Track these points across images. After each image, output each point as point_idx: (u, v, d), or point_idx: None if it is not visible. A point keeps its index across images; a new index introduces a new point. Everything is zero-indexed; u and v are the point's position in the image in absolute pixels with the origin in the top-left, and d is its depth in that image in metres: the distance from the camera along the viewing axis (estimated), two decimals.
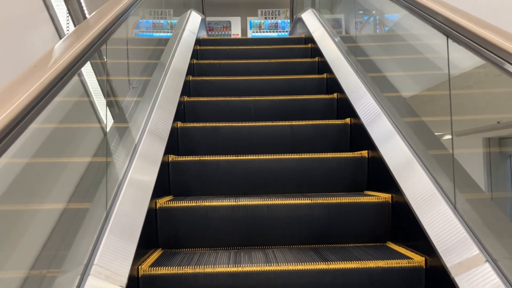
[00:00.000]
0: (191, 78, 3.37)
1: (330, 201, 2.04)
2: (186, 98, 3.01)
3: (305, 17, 4.86)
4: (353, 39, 3.31)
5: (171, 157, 2.35)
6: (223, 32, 10.00)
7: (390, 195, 2.02)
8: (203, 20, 5.23)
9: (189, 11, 4.78)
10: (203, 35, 5.29)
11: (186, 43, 3.80)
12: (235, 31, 10.06)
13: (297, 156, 2.41)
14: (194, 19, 4.66)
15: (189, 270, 1.64)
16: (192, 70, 3.62)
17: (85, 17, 3.85)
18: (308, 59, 3.90)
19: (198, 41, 4.37)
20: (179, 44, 3.59)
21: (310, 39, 4.30)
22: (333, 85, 3.18)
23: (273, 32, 10.07)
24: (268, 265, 1.66)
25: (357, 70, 2.94)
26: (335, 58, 3.35)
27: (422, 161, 1.91)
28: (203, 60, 3.85)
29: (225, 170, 2.37)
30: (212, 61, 3.79)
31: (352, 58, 3.15)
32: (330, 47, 3.64)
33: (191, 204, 2.02)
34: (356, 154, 2.42)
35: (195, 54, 3.97)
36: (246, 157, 2.41)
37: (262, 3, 10.25)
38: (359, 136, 2.55)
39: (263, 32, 10.07)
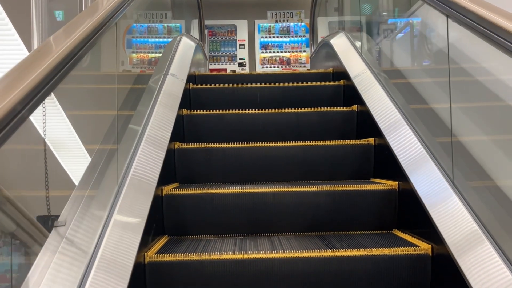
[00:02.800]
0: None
1: (336, 189, 2.04)
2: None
3: (338, 47, 3.50)
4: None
5: (177, 145, 2.35)
6: (227, 37, 8.92)
7: (396, 183, 2.01)
8: (198, 47, 4.09)
9: (176, 42, 3.45)
10: (200, 69, 4.22)
11: (169, 99, 2.54)
12: (241, 36, 8.91)
13: (303, 144, 2.40)
14: (184, 53, 3.39)
15: (195, 257, 1.65)
16: (180, 126, 2.61)
17: None
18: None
19: (193, 78, 3.42)
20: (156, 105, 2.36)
21: (350, 88, 2.91)
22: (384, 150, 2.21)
23: (285, 37, 8.90)
24: (274, 252, 1.66)
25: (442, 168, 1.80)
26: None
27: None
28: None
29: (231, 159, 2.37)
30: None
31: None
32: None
33: (197, 192, 2.02)
34: (363, 141, 2.40)
35: (186, 96, 2.92)
36: (251, 145, 2.40)
37: (272, 3, 9.01)
38: None
39: (273, 37, 8.92)
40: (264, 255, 1.65)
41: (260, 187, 2.05)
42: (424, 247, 1.66)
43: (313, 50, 5.44)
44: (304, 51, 8.76)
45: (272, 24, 8.95)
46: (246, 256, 1.65)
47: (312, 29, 6.04)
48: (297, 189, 2.04)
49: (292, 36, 8.98)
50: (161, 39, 3.99)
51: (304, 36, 8.80)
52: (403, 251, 1.65)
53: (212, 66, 8.54)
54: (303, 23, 8.81)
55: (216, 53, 8.96)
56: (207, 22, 8.30)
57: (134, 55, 3.65)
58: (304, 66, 8.62)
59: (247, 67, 8.69)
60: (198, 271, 1.65)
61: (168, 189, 2.01)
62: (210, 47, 8.88)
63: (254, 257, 1.65)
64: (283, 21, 8.97)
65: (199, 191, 2.01)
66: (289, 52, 8.88)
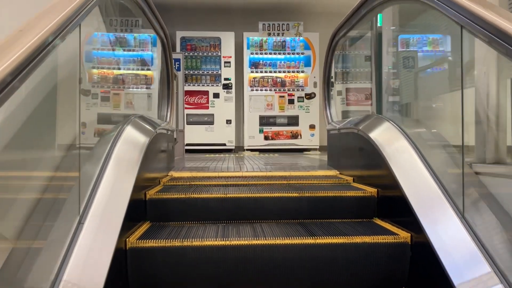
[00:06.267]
0: None
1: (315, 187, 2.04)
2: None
3: (398, 167, 1.88)
4: None
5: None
6: (209, 53, 7.27)
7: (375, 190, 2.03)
8: (160, 139, 2.64)
9: (106, 153, 1.79)
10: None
11: None
12: (227, 52, 7.27)
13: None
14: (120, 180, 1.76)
15: (177, 243, 1.65)
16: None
17: None
18: None
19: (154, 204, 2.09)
20: None
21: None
22: None
23: (280, 54, 7.31)
24: (256, 239, 1.67)
25: None
26: None
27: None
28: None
29: None
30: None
31: None
32: None
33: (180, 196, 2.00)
34: None
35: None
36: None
37: (265, 12, 7.45)
38: None
39: (266, 53, 7.32)
40: (246, 242, 1.66)
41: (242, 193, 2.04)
42: (404, 235, 1.68)
43: (330, 125, 3.53)
44: (303, 72, 7.27)
45: (264, 38, 7.36)
46: (228, 242, 1.65)
47: (326, 89, 3.87)
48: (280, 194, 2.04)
49: (288, 53, 7.33)
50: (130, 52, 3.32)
51: (302, 54, 7.30)
52: (383, 239, 1.67)
53: (189, 88, 7.06)
54: (301, 38, 7.31)
55: (196, 72, 7.25)
56: (184, 34, 6.96)
57: (94, 70, 3.00)
58: (302, 90, 7.19)
59: (233, 90, 7.20)
60: (180, 257, 1.64)
61: (152, 193, 1.99)
62: (189, 64, 7.24)
63: (235, 244, 1.65)
64: (278, 34, 7.38)
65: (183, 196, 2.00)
66: (284, 72, 7.30)
